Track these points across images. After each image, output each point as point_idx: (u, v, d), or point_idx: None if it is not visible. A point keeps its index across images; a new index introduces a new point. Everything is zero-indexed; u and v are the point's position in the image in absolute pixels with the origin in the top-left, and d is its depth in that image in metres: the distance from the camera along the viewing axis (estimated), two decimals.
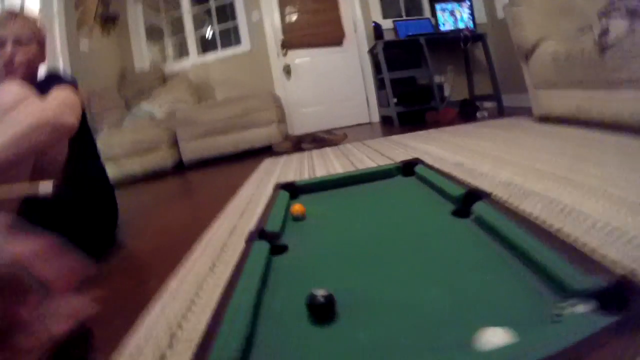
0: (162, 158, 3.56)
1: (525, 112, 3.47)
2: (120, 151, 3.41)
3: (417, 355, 0.38)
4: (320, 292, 0.47)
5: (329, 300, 0.47)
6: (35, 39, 1.35)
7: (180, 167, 3.76)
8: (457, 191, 0.81)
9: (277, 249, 0.70)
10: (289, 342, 0.45)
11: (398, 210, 0.86)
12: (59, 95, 1.19)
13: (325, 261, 0.65)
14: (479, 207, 0.71)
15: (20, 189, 0.97)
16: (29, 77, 1.30)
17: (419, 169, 1.07)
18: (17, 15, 1.30)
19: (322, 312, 0.47)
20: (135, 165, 3.47)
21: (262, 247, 0.66)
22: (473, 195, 0.77)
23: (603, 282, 0.42)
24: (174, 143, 3.73)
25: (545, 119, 2.85)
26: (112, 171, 2.36)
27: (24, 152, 1.03)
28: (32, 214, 1.18)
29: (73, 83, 1.36)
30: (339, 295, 0.48)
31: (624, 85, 2.02)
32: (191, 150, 3.72)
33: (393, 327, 0.44)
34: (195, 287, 0.99)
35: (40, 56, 1.39)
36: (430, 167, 1.05)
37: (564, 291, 0.44)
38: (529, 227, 0.59)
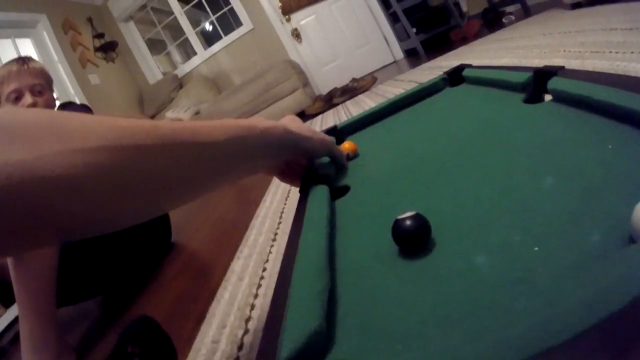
0: None
1: (553, 4, 3.16)
2: None
3: (552, 274, 0.27)
4: (407, 215, 0.37)
5: (421, 222, 0.36)
6: (48, 86, 1.36)
7: None
8: (523, 77, 0.68)
9: (339, 191, 0.61)
10: (378, 289, 0.35)
11: (459, 119, 0.74)
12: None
13: (394, 191, 0.55)
14: (555, 83, 0.59)
15: None
16: None
17: (467, 72, 0.94)
18: (27, 64, 1.29)
19: (415, 241, 0.37)
20: None
21: (320, 192, 0.57)
22: (543, 73, 0.64)
23: None
24: None
25: (578, 5, 2.56)
26: None
27: None
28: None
29: (88, 109, 1.45)
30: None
31: None
32: None
33: (508, 241, 0.33)
34: (260, 263, 0.94)
35: (53, 101, 1.39)
36: (480, 67, 0.93)
37: None
38: (625, 84, 0.47)
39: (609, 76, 0.54)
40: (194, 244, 1.47)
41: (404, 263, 0.37)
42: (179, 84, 4.87)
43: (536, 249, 0.30)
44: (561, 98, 0.57)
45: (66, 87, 3.81)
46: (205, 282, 1.03)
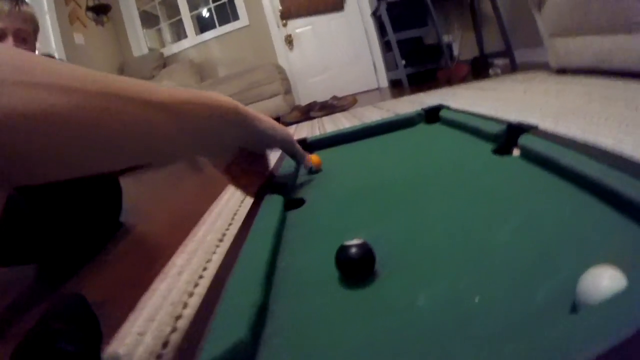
0: None
1: (540, 66, 3.29)
2: None
3: (490, 330, 0.27)
4: (354, 243, 0.35)
5: (366, 251, 0.35)
6: (34, 35, 1.30)
7: None
8: (497, 128, 0.69)
9: (293, 203, 0.59)
10: (314, 310, 0.34)
11: (428, 155, 0.75)
12: None
13: (349, 214, 0.54)
14: (526, 140, 0.60)
15: None
16: None
17: (444, 112, 0.95)
18: (20, 6, 1.22)
19: (358, 267, 0.36)
20: None
21: (274, 201, 0.56)
22: (516, 128, 0.66)
23: None
24: None
25: (563, 71, 2.67)
26: None
27: None
28: (34, 196, 1.12)
29: None
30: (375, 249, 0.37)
31: None
32: None
33: (453, 286, 0.32)
34: (202, 261, 0.91)
35: (34, 52, 1.32)
36: (458, 110, 0.94)
37: None
38: (591, 153, 0.48)
39: (578, 143, 0.55)
40: (144, 228, 1.42)
41: (345, 290, 0.36)
42: (164, 62, 4.77)
43: (477, 300, 0.29)
44: (529, 155, 0.57)
45: (49, 40, 3.67)
46: (146, 270, 0.99)
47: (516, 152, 0.63)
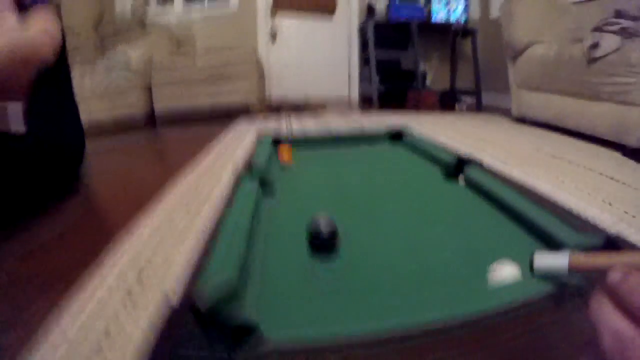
0: (133, 104, 3.41)
1: (502, 111, 3.51)
2: (90, 93, 3.26)
3: (425, 291, 0.37)
4: (322, 220, 0.44)
5: (332, 229, 0.44)
6: None
7: (152, 123, 3.62)
8: (449, 157, 0.80)
9: (264, 183, 0.67)
10: (288, 269, 0.42)
11: (388, 170, 0.84)
12: (39, 20, 1.11)
13: (317, 203, 0.63)
14: (471, 171, 0.71)
15: None
16: None
17: (406, 135, 1.06)
18: None
19: (325, 238, 0.44)
20: (105, 111, 3.32)
21: (251, 180, 0.63)
22: (464, 161, 0.76)
23: (596, 239, 0.42)
24: (147, 90, 3.58)
25: (522, 120, 2.90)
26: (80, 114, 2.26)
27: None
28: None
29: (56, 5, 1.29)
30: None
31: (605, 98, 2.08)
32: (165, 97, 3.58)
33: (397, 268, 0.42)
34: (167, 225, 0.95)
35: None
36: (419, 137, 1.04)
37: (558, 247, 0.44)
38: (520, 190, 0.59)
39: (511, 180, 0.66)
40: (102, 190, 1.43)
41: (313, 257, 0.44)
42: (144, 23, 4.66)
43: (415, 267, 0.39)
44: (471, 183, 0.68)
45: None
46: (106, 227, 1.02)
47: (461, 179, 0.74)
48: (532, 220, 0.49)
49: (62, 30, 1.26)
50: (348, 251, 0.44)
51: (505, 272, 0.35)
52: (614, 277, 0.26)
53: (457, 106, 3.98)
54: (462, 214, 0.56)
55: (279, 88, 4.76)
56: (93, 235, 0.98)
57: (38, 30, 1.05)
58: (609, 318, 0.24)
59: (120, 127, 3.31)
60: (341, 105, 4.04)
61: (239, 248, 0.41)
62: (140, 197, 1.25)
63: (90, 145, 1.60)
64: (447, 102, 4.32)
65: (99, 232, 0.99)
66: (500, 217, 0.54)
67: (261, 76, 3.99)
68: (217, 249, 0.40)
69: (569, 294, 0.32)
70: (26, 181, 1.18)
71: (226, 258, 0.38)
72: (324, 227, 0.43)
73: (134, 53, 3.73)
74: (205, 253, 0.41)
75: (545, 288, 0.32)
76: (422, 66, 4.54)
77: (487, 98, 4.40)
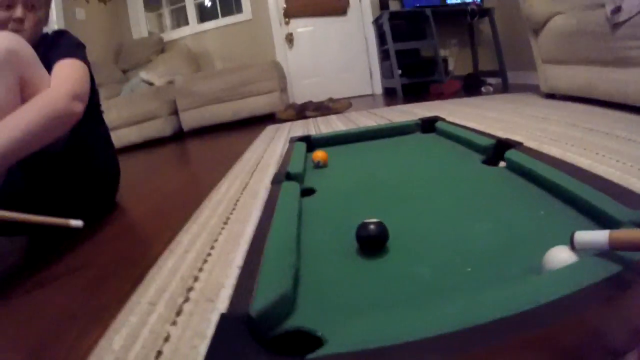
0: (161, 126, 3.50)
1: (530, 89, 3.42)
2: (118, 122, 3.36)
3: (479, 287, 0.35)
4: (372, 221, 0.44)
5: (382, 228, 0.43)
6: (45, 4, 1.29)
7: (179, 135, 3.71)
8: (487, 141, 0.78)
9: (305, 191, 0.67)
10: (338, 277, 0.41)
11: (424, 160, 0.83)
12: (68, 75, 1.17)
13: (357, 202, 0.62)
14: (512, 154, 0.69)
15: (52, 221, 0.97)
16: (34, 40, 1.24)
17: (440, 124, 1.04)
18: None
19: (376, 241, 0.44)
20: (133, 135, 3.43)
21: (292, 187, 0.63)
22: (504, 144, 0.74)
23: None
24: (174, 112, 3.67)
25: (552, 96, 2.81)
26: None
27: (34, 147, 1.02)
28: (36, 170, 1.15)
29: (81, 46, 1.34)
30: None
31: (633, 63, 1.99)
32: (191, 118, 3.67)
33: (447, 261, 0.41)
34: (209, 242, 0.97)
35: (46, 20, 1.32)
36: (453, 123, 1.02)
37: (612, 225, 0.42)
38: (566, 169, 0.57)
39: (555, 159, 0.64)
40: (139, 210, 1.46)
41: (361, 260, 0.44)
42: (162, 48, 4.78)
43: (469, 269, 0.38)
44: (513, 167, 0.66)
45: (51, 13, 3.65)
46: (146, 249, 1.03)
47: (502, 163, 0.72)
48: (582, 199, 0.47)
49: (91, 72, 1.31)
50: (398, 251, 0.43)
51: (562, 257, 0.34)
52: None
53: (483, 89, 3.90)
54: (509, 201, 0.55)
55: (301, 91, 4.78)
56: (134, 255, 1.00)
57: (68, 88, 1.10)
58: None
59: (150, 144, 3.40)
60: (366, 102, 4.02)
61: (290, 258, 0.41)
62: (177, 213, 1.27)
63: (123, 162, 1.66)
64: (472, 86, 4.24)
65: (140, 252, 1.01)
66: (550, 199, 0.52)
67: (284, 87, 4.01)
68: (268, 260, 0.40)
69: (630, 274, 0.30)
70: (64, 200, 1.24)
71: (279, 270, 0.38)
72: (373, 231, 0.43)
73: (157, 80, 3.82)
74: (255, 266, 0.40)
75: (605, 271, 0.31)
76: (443, 53, 4.47)
77: (513, 77, 4.30)
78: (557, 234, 0.43)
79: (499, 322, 0.26)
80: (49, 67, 1.15)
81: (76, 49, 1.28)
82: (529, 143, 1.44)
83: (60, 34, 1.36)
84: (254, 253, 0.43)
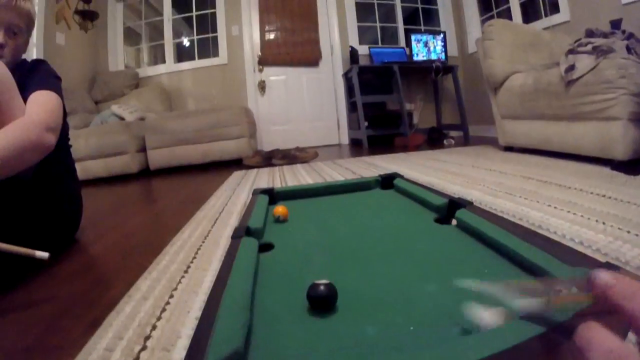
0: (127, 162, 3.46)
1: (490, 141, 3.61)
2: (85, 153, 3.32)
3: (425, 346, 0.38)
4: (322, 283, 0.47)
5: (332, 290, 0.46)
6: (27, 31, 1.30)
7: (146, 173, 3.67)
8: (439, 200, 0.83)
9: (263, 246, 0.69)
10: (288, 335, 0.43)
11: (380, 217, 0.87)
12: (44, 106, 1.18)
13: (313, 259, 0.65)
14: (461, 214, 0.73)
15: (17, 250, 0.96)
16: (11, 65, 1.23)
17: (397, 181, 1.09)
18: (17, 0, 1.22)
19: (325, 302, 0.46)
20: (99, 168, 3.39)
21: (250, 243, 0.65)
22: (455, 203, 0.79)
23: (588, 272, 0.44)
24: (142, 149, 3.65)
25: (510, 149, 2.98)
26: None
27: (3, 174, 1.01)
28: (2, 196, 1.13)
29: (58, 79, 1.35)
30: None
31: (585, 117, 2.15)
32: (159, 157, 3.65)
33: (395, 320, 0.44)
34: (168, 290, 0.96)
35: (25, 47, 1.33)
36: (410, 181, 1.08)
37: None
38: (511, 229, 0.62)
39: (502, 219, 0.68)
40: (99, 247, 1.43)
41: (311, 319, 0.46)
42: (137, 83, 4.80)
43: (412, 328, 0.41)
44: (463, 226, 0.71)
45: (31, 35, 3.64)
46: (104, 290, 1.01)
47: (454, 222, 0.76)
48: (525, 259, 0.52)
49: (64, 106, 1.31)
50: (347, 311, 0.46)
51: (487, 316, 0.37)
52: (602, 278, 0.28)
53: (445, 142, 4.07)
54: (456, 260, 0.58)
55: (270, 138, 4.85)
56: (91, 296, 0.98)
57: (41, 119, 1.11)
58: (600, 339, 0.25)
59: (115, 179, 3.36)
60: (332, 152, 4.11)
61: (243, 315, 0.43)
62: (138, 254, 1.26)
63: (87, 196, 1.63)
64: (435, 139, 4.42)
65: (98, 293, 0.99)
66: (495, 257, 0.57)
67: (252, 133, 4.08)
68: (223, 316, 0.42)
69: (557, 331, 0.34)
70: (25, 230, 1.20)
71: (232, 326, 0.40)
72: (323, 292, 0.46)
73: (128, 115, 3.82)
74: (210, 321, 0.42)
75: (532, 330, 0.34)
76: (408, 106, 4.67)
77: (474, 130, 4.52)
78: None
79: None
80: (23, 94, 1.15)
81: (53, 81, 1.29)
82: (485, 197, 1.52)
83: (39, 62, 1.38)
84: (210, 308, 0.45)
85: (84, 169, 3.25)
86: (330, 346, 0.40)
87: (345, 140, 5.02)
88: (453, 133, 4.67)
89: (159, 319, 0.82)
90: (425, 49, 4.84)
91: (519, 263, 0.53)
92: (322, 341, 0.41)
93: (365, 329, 0.43)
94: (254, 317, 0.46)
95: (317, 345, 0.41)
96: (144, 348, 0.72)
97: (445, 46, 4.91)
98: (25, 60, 1.36)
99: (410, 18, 5.30)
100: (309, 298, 0.47)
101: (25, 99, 1.16)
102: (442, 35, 4.92)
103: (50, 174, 1.31)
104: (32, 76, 1.25)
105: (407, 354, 0.36)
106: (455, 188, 1.77)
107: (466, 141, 4.14)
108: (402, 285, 0.52)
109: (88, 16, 4.57)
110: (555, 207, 1.32)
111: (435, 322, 0.43)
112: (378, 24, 5.20)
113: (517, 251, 0.53)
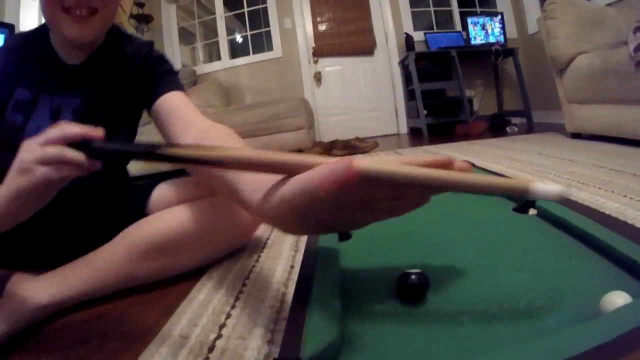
0: None
1: (555, 128, 3.43)
2: None
3: (523, 338, 0.38)
4: (413, 271, 0.46)
5: (424, 279, 0.46)
6: (113, 5, 1.02)
7: None
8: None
9: (341, 236, 0.70)
10: (378, 323, 0.44)
11: (457, 207, 0.85)
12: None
13: (393, 248, 0.65)
14: (543, 202, 0.71)
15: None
16: (101, 34, 1.06)
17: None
18: None
19: (418, 292, 0.46)
20: (162, 164, 3.54)
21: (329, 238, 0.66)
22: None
23: None
24: None
25: (578, 135, 2.82)
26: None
27: None
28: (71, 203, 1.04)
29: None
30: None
31: None
32: None
33: (489, 310, 0.43)
34: (240, 278, 0.99)
35: (115, 14, 1.07)
36: (481, 169, 1.05)
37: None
38: (596, 217, 0.60)
39: (586, 208, 0.66)
40: None
41: (402, 308, 0.46)
42: (195, 80, 4.95)
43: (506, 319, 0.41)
44: (544, 215, 0.69)
45: None
46: (175, 278, 1.02)
47: (533, 211, 0.74)
48: (613, 248, 0.50)
49: None
50: (437, 301, 0.46)
51: (618, 300, 0.37)
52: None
53: (508, 129, 3.92)
54: (541, 250, 0.57)
55: (328, 129, 4.87)
56: (163, 287, 1.00)
57: None
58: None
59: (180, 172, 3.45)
60: (391, 142, 4.06)
61: (335, 304, 0.43)
62: None
63: None
64: (497, 127, 4.27)
65: (170, 285, 1.00)
66: (581, 248, 0.55)
67: (311, 125, 4.09)
68: (312, 309, 0.42)
69: None
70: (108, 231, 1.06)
71: (324, 318, 0.40)
72: (415, 281, 0.46)
73: None
74: (301, 311, 0.43)
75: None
76: (468, 93, 4.54)
77: (537, 116, 4.31)
78: (590, 284, 0.46)
79: None
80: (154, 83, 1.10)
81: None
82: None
83: (162, 59, 1.21)
84: (299, 297, 0.46)
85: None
86: (427, 338, 0.40)
87: (404, 129, 4.95)
88: (515, 120, 4.48)
89: (232, 307, 0.85)
90: (483, 31, 4.66)
91: (606, 253, 0.51)
92: (415, 332, 0.41)
93: (460, 320, 0.43)
94: (344, 306, 0.47)
95: (409, 336, 0.41)
96: (219, 336, 0.74)
97: (503, 28, 4.71)
98: (120, 30, 1.17)
99: (465, 0, 5.12)
100: (400, 287, 0.47)
101: (157, 87, 1.10)
102: (499, 17, 4.72)
103: (119, 174, 1.35)
104: (163, 67, 1.17)
105: (514, 348, 0.36)
106: (526, 177, 1.71)
107: (530, 128, 3.96)
108: (491, 274, 0.52)
109: (143, 20, 4.75)
110: (631, 198, 1.25)
111: (530, 313, 0.42)
112: (432, 8, 5.05)
113: (604, 241, 0.51)
